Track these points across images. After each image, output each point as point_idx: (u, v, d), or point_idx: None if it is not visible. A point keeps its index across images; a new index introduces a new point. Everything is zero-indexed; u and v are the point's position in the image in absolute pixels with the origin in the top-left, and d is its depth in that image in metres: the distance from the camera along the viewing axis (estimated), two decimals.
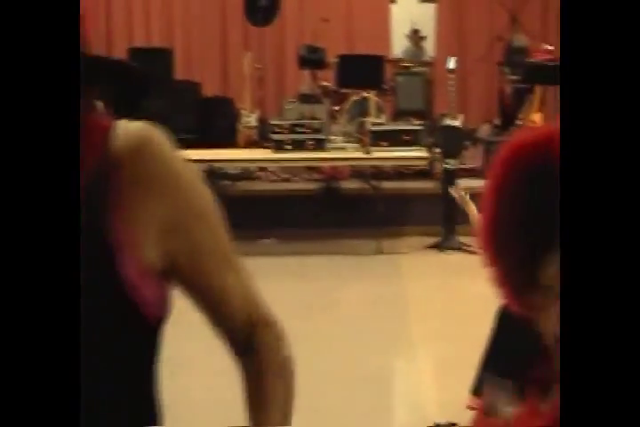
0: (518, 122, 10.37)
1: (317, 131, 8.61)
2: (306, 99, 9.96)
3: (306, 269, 8.02)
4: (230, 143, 10.04)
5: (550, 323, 1.75)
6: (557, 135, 1.89)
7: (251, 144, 10.20)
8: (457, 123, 9.69)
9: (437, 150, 8.60)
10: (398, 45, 11.88)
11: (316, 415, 4.72)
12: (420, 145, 8.52)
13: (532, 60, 10.18)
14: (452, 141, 8.51)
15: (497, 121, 11.06)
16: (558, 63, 10.05)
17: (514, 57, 10.22)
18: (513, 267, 1.89)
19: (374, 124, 9.05)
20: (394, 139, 8.44)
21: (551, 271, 1.70)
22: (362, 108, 9.99)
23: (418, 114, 10.37)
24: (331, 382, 5.29)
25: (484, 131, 11.22)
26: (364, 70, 9.52)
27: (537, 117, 10.47)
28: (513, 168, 2.22)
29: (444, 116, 10.07)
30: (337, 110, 10.34)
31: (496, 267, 1.98)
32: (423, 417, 4.47)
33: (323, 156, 8.49)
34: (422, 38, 11.67)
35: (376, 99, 10.19)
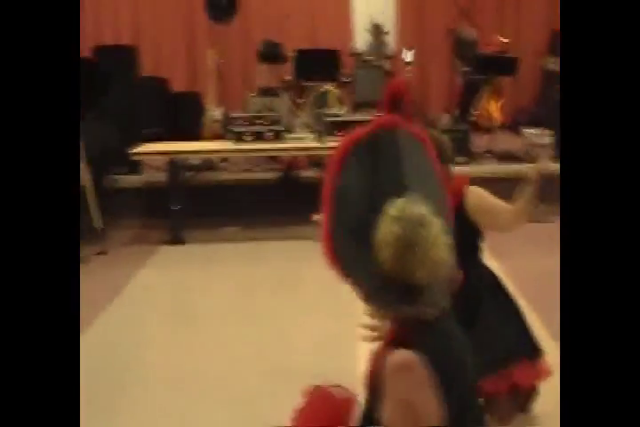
0: (475, 112, 10.74)
1: (276, 122, 8.97)
2: (265, 92, 10.34)
3: (267, 253, 8.42)
4: (196, 136, 10.41)
5: None
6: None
7: (216, 137, 10.57)
8: None
9: None
10: (361, 39, 12.26)
11: (284, 372, 5.15)
12: None
13: (481, 52, 10.56)
14: None
15: (456, 111, 11.43)
16: (508, 55, 10.48)
17: (463, 49, 10.59)
18: None
19: (330, 115, 9.42)
20: (348, 128, 8.76)
21: None
22: (323, 101, 10.38)
23: (377, 105, 10.73)
24: (291, 345, 5.82)
25: (444, 120, 11.61)
26: (321, 64, 9.88)
27: (494, 107, 10.86)
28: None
29: None
30: (300, 103, 10.72)
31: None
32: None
33: (281, 146, 8.84)
34: (383, 32, 12.04)
35: (336, 91, 10.57)
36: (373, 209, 2.44)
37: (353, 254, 2.49)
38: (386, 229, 2.39)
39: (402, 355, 2.42)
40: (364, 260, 2.42)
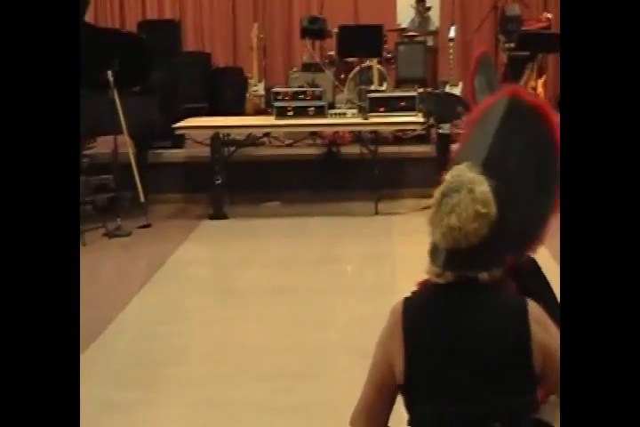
0: None
1: (318, 98, 8.98)
2: (308, 68, 10.35)
3: (307, 229, 8.47)
4: (239, 112, 10.45)
5: None
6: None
7: (258, 112, 10.61)
8: (456, 90, 10.05)
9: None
10: (404, 16, 12.21)
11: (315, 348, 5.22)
12: (417, 111, 8.87)
13: (526, 28, 10.48)
14: (445, 108, 8.88)
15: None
16: (552, 31, 10.40)
17: (507, 26, 10.52)
18: None
19: (373, 91, 9.42)
20: (391, 105, 8.80)
21: None
22: (366, 77, 10.37)
23: (420, 82, 10.73)
24: (330, 321, 5.85)
25: None
26: (364, 40, 9.84)
27: (538, 84, 10.79)
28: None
29: (445, 83, 10.44)
30: (342, 79, 10.72)
31: None
32: None
33: (323, 122, 8.86)
34: (427, 8, 11.99)
35: (379, 67, 10.56)
36: None
37: None
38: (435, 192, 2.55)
39: (397, 303, 2.64)
40: None
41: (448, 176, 2.53)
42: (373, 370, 2.67)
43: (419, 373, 2.55)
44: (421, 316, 2.59)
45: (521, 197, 2.67)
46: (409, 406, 2.61)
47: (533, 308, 2.54)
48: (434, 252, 2.57)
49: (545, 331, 2.50)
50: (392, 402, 2.66)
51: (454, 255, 2.50)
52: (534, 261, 3.96)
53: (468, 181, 2.50)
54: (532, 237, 2.71)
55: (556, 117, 2.80)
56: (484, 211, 2.48)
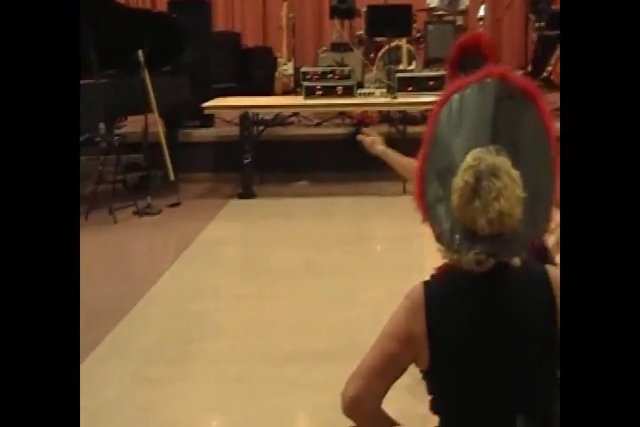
0: (548, 68, 10.64)
1: (347, 77, 9.00)
2: (337, 47, 10.36)
3: (336, 208, 8.50)
4: (268, 91, 10.49)
5: None
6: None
7: (287, 92, 10.64)
8: None
9: None
10: None
11: (344, 326, 5.26)
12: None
13: (556, 6, 10.44)
14: None
15: (529, 67, 11.32)
16: None
17: (538, 5, 10.48)
18: None
19: (401, 70, 9.42)
20: (419, 85, 8.80)
21: None
22: (395, 56, 10.36)
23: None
24: (356, 300, 5.89)
25: None
26: (391, 19, 9.84)
27: None
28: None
29: None
30: (371, 58, 10.72)
31: None
32: None
33: (352, 101, 8.87)
34: None
35: (408, 47, 10.55)
36: (459, 155, 2.56)
37: (435, 196, 2.61)
38: (459, 177, 2.48)
39: (414, 287, 2.60)
40: (445, 203, 2.54)
41: (470, 159, 2.48)
42: (379, 357, 2.59)
43: (447, 357, 2.54)
44: (452, 301, 2.56)
45: (534, 181, 2.65)
46: (434, 391, 2.62)
47: (553, 273, 2.56)
48: (456, 238, 2.51)
49: None
50: (386, 391, 2.64)
51: (496, 241, 2.47)
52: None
53: (503, 164, 2.48)
54: (547, 219, 2.70)
55: (544, 100, 2.76)
56: (522, 195, 2.48)
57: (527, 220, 2.52)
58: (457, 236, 2.50)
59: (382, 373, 2.59)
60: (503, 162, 2.48)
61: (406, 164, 3.96)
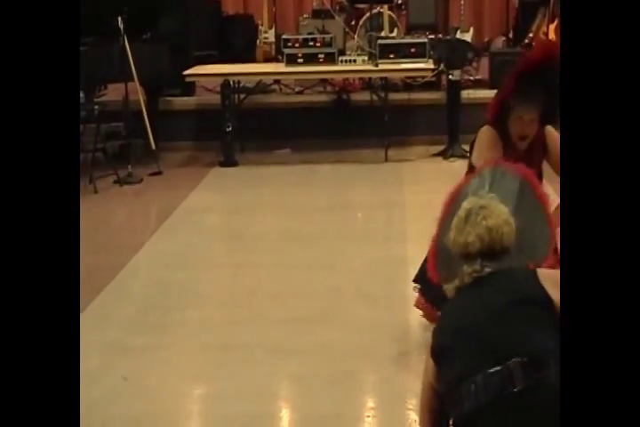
0: (530, 35, 10.60)
1: (328, 45, 8.96)
2: (318, 14, 10.28)
3: (317, 176, 8.49)
4: (249, 59, 10.42)
5: None
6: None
7: (268, 59, 10.58)
8: (467, 36, 9.99)
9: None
10: None
11: (326, 293, 5.29)
12: (427, 57, 8.83)
13: None
14: (455, 54, 8.84)
15: (510, 34, 11.28)
16: None
17: None
18: None
19: (383, 37, 9.37)
20: (400, 51, 8.76)
21: None
22: (377, 23, 10.29)
23: (431, 28, 10.67)
24: (340, 267, 5.90)
25: (497, 44, 11.49)
26: None
27: (550, 30, 10.69)
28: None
29: (456, 29, 10.37)
30: (353, 25, 10.65)
31: None
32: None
33: (333, 68, 8.82)
34: None
35: (390, 14, 10.48)
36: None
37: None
38: (455, 219, 2.94)
39: None
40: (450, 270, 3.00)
41: (465, 204, 2.95)
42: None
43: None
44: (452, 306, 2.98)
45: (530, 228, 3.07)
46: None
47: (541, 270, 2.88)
48: (455, 266, 2.93)
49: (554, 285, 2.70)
50: None
51: (489, 256, 2.87)
52: None
53: (491, 201, 2.95)
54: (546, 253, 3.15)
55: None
56: (511, 221, 2.91)
57: (523, 247, 2.94)
58: (455, 265, 2.91)
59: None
60: (492, 200, 2.95)
61: None
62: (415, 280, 4.60)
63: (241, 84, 9.34)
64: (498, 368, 2.59)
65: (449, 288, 2.97)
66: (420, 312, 4.63)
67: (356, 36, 10.26)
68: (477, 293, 2.83)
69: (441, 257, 3.09)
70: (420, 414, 2.99)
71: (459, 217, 2.90)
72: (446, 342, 2.78)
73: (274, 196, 7.84)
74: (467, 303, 2.83)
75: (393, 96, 9.11)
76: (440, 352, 2.79)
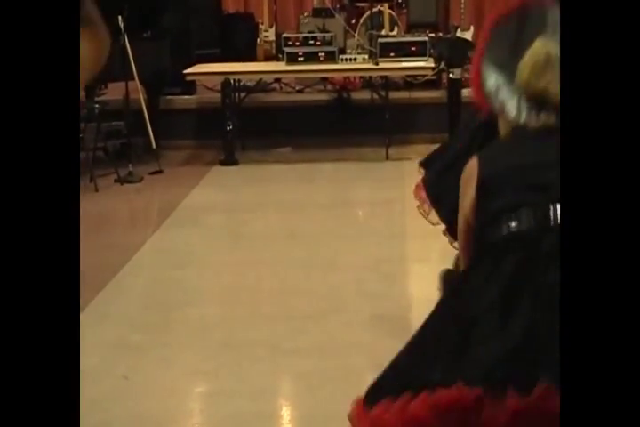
0: None
1: (329, 43, 8.96)
2: (319, 13, 10.28)
3: (318, 174, 8.50)
4: (250, 58, 10.42)
5: None
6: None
7: (269, 58, 10.57)
8: (468, 35, 9.99)
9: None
10: None
11: (327, 291, 5.29)
12: (427, 56, 8.84)
13: None
14: (456, 52, 8.83)
15: None
16: None
17: None
18: None
19: (383, 36, 9.37)
20: (401, 50, 8.77)
21: None
22: (377, 22, 10.30)
23: (431, 26, 10.66)
24: (341, 265, 5.89)
25: None
26: None
27: None
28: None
29: (456, 28, 10.37)
30: (353, 24, 10.65)
31: None
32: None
33: (334, 67, 8.82)
34: None
35: (390, 12, 10.48)
36: (518, 56, 2.95)
37: (496, 84, 3.07)
38: (529, 57, 2.88)
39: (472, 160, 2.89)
40: (507, 86, 3.00)
41: (538, 44, 2.87)
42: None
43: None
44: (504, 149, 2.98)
45: None
46: None
47: None
48: (525, 107, 2.87)
49: None
50: None
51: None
52: None
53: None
54: None
55: None
56: None
57: None
58: (526, 106, 2.87)
59: None
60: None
61: None
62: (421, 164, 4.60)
63: (241, 83, 9.34)
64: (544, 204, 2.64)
65: (502, 123, 3.00)
66: (421, 313, 4.61)
67: (356, 35, 10.26)
68: (543, 143, 2.77)
69: (492, 92, 3.07)
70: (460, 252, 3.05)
71: (537, 56, 2.85)
72: (498, 174, 2.78)
73: (275, 194, 7.84)
74: (530, 148, 2.81)
75: (393, 94, 9.11)
76: (489, 182, 2.77)
